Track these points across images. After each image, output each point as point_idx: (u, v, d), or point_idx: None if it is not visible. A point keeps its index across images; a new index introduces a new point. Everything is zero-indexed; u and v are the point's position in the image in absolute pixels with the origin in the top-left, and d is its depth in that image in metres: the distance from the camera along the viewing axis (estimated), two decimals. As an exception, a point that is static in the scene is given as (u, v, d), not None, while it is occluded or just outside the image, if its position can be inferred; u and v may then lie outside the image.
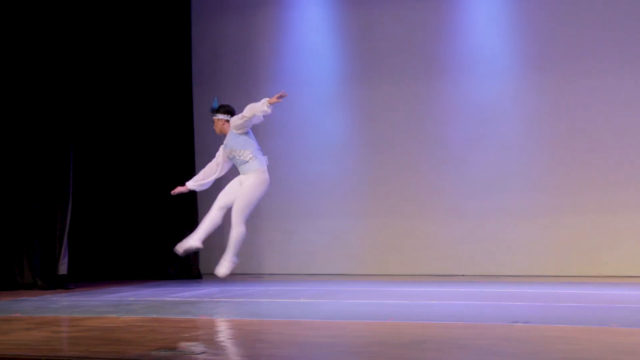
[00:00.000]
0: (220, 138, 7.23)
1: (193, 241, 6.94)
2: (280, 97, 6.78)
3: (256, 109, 6.78)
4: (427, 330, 4.89)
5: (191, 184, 7.23)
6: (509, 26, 9.79)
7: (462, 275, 9.60)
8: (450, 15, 10.01)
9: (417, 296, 7.21)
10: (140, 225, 9.82)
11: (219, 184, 7.28)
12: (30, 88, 8.45)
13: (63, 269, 8.34)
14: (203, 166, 10.35)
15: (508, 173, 9.66)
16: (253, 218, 10.48)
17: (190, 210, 9.86)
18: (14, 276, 8.29)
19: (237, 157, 6.94)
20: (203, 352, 4.09)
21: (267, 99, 6.77)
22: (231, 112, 7.08)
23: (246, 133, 6.96)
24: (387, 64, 10.16)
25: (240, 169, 7.01)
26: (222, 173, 7.22)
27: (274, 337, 4.88)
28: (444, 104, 9.97)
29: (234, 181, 7.03)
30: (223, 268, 6.87)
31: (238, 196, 6.88)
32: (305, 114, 10.47)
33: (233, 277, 9.87)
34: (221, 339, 4.81)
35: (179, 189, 7.27)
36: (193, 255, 9.76)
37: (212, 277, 9.63)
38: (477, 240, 9.69)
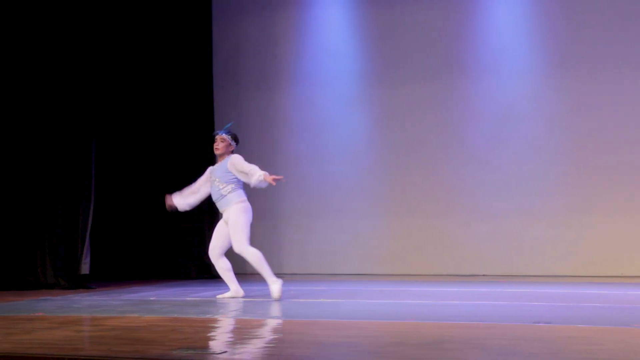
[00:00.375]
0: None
1: (235, 293, 7.04)
2: (276, 180, 6.76)
3: (254, 179, 6.82)
4: (447, 330, 4.88)
5: (177, 201, 7.20)
6: (529, 26, 9.75)
7: (483, 275, 9.57)
8: (470, 15, 9.99)
9: (437, 296, 7.20)
10: (161, 224, 9.86)
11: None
12: (53, 86, 8.54)
13: (85, 268, 8.41)
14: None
15: (529, 173, 9.61)
16: (273, 218, 10.59)
17: (210, 209, 9.88)
18: (37, 276, 8.37)
19: (217, 188, 6.96)
20: (223, 352, 4.10)
21: (264, 175, 6.76)
22: (237, 141, 7.19)
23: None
24: (408, 65, 10.15)
25: (218, 203, 7.02)
26: (204, 195, 7.20)
27: (294, 337, 4.89)
28: (464, 104, 9.95)
29: (218, 225, 7.06)
30: (273, 293, 6.87)
31: (229, 233, 6.91)
32: (326, 115, 10.49)
33: (253, 277, 9.91)
34: (241, 338, 4.83)
35: (169, 202, 7.22)
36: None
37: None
38: (497, 240, 9.65)
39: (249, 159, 10.63)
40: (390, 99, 10.25)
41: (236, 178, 6.99)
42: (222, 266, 7.08)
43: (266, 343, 4.62)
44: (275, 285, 6.84)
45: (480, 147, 9.83)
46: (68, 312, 6.20)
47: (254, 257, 6.88)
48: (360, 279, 9.47)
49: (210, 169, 7.20)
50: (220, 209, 7.03)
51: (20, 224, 8.44)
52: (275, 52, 10.70)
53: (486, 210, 9.73)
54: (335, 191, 10.35)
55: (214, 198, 7.05)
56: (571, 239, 9.43)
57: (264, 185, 6.87)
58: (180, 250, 9.85)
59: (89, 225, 8.47)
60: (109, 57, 9.49)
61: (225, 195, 6.94)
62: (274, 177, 6.79)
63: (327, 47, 10.55)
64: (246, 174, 6.90)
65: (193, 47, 10.06)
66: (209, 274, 9.75)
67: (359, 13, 10.47)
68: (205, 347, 4.24)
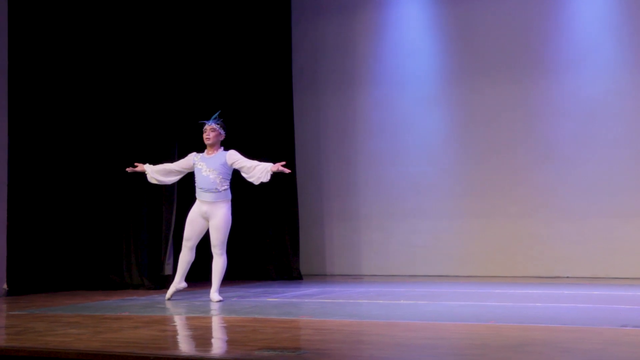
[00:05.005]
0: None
1: (177, 284, 7.17)
2: (282, 169, 6.75)
3: (258, 175, 6.81)
4: (531, 333, 4.79)
5: (150, 170, 7.22)
6: (613, 21, 9.49)
7: (567, 277, 9.36)
8: (552, 10, 9.78)
9: (519, 298, 7.07)
10: (242, 226, 9.97)
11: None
12: (139, 93, 8.76)
13: (168, 269, 8.58)
14: (303, 168, 10.47)
15: (615, 171, 9.35)
16: (353, 219, 10.60)
17: (291, 211, 9.97)
18: (123, 276, 8.60)
19: (212, 180, 6.92)
20: (304, 353, 4.12)
21: (272, 167, 6.77)
22: (225, 129, 7.21)
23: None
24: (488, 62, 10.01)
25: (207, 194, 6.95)
26: (177, 179, 7.34)
27: (374, 339, 4.88)
28: (547, 101, 9.74)
29: (194, 217, 7.04)
30: (215, 297, 6.99)
31: (214, 230, 6.94)
32: (405, 114, 10.44)
33: (333, 278, 9.96)
34: (322, 339, 4.84)
35: (138, 168, 7.25)
36: (293, 257, 9.88)
37: (313, 278, 9.76)
38: (582, 241, 9.42)
39: (328, 160, 10.75)
40: (470, 98, 10.13)
41: (230, 174, 7.02)
42: (189, 258, 7.11)
43: (346, 344, 4.62)
44: (217, 295, 6.97)
45: (564, 146, 9.62)
46: (152, 311, 6.33)
47: (225, 265, 6.99)
48: (440, 280, 9.38)
49: (198, 156, 7.12)
50: (206, 199, 6.95)
51: (107, 226, 8.69)
52: (354, 53, 10.71)
53: (570, 211, 9.51)
54: (415, 192, 10.29)
55: (204, 186, 6.96)
56: (660, 240, 9.13)
57: (268, 178, 6.80)
58: (261, 252, 9.95)
59: (172, 227, 8.64)
60: (190, 62, 9.66)
61: (220, 191, 6.95)
62: (279, 165, 6.73)
63: (406, 46, 10.49)
64: (247, 168, 6.87)
65: (272, 50, 10.15)
66: (289, 275, 9.81)
67: (438, 11, 10.39)
68: (286, 348, 4.27)
